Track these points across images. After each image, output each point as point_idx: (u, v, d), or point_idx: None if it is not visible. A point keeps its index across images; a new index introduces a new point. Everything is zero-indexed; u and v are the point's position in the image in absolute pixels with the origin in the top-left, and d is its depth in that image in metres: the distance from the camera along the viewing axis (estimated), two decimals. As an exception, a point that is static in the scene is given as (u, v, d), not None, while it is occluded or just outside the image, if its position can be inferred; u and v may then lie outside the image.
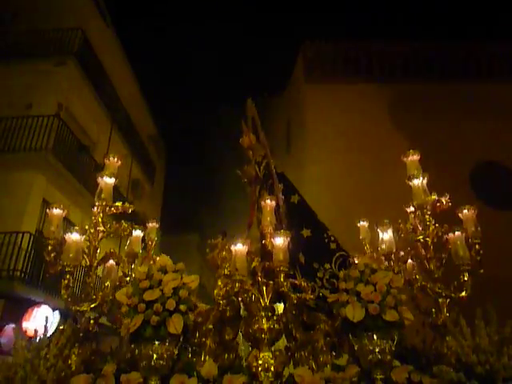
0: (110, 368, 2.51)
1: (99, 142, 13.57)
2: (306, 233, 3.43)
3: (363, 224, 3.87)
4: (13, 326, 8.86)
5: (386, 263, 3.13)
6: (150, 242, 4.25)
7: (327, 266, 3.25)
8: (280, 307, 3.14)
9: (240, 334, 2.96)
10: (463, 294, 2.74)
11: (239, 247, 2.74)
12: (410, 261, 3.13)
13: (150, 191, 17.26)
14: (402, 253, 3.13)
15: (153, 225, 4.31)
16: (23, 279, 9.94)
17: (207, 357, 2.84)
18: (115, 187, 11.36)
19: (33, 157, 10.95)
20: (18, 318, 9.33)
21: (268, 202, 2.99)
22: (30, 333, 8.12)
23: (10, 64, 11.79)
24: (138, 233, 3.22)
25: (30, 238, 10.08)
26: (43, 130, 11.00)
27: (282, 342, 3.13)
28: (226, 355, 2.94)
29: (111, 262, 3.02)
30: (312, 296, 2.86)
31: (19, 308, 9.70)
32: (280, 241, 2.71)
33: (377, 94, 12.06)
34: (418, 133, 11.42)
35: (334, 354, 2.92)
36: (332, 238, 3.43)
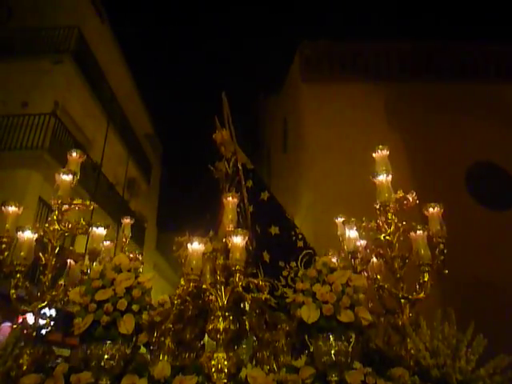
0: (61, 368, 2.47)
1: (95, 141, 13.55)
2: (274, 230, 3.37)
3: (340, 220, 3.79)
4: (9, 324, 8.86)
5: (353, 262, 3.07)
6: (124, 239, 4.24)
7: (293, 264, 3.19)
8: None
9: None
10: (421, 295, 2.66)
11: (195, 246, 2.69)
12: (375, 260, 3.06)
13: (146, 190, 17.23)
14: (368, 250, 3.06)
15: (127, 221, 4.29)
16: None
17: (165, 357, 2.79)
18: (111, 185, 11.29)
19: (29, 155, 10.96)
20: (16, 317, 9.32)
21: (230, 199, 2.93)
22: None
23: (5, 62, 11.78)
24: (100, 230, 3.17)
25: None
26: (39, 129, 11.00)
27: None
28: (187, 355, 2.89)
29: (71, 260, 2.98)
30: (268, 296, 2.79)
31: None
32: (237, 239, 2.65)
33: (374, 94, 11.97)
34: (414, 132, 11.36)
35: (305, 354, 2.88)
36: (300, 236, 3.37)
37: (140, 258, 4.15)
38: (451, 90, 11.66)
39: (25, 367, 2.51)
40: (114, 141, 14.38)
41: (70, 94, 12.32)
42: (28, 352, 2.54)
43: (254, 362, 2.90)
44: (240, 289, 2.58)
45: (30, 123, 11.10)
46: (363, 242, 3.26)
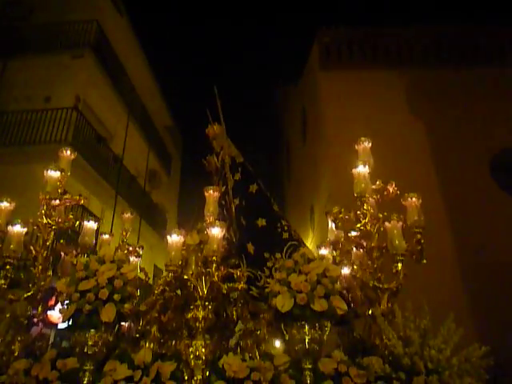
0: (48, 354, 2.63)
1: (116, 133, 13.81)
2: (261, 222, 3.42)
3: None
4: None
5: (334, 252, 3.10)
6: (124, 232, 4.37)
7: (278, 255, 3.24)
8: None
9: None
10: (393, 285, 2.68)
11: (174, 238, 2.78)
12: (355, 250, 3.07)
13: (167, 181, 17.51)
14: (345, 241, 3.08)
15: (128, 215, 4.42)
16: (53, 270, 10.29)
17: (151, 344, 2.91)
18: (133, 177, 11.46)
19: (52, 149, 11.25)
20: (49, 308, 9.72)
21: (211, 192, 3.01)
22: (54, 320, 8.54)
23: (28, 58, 12.12)
24: (91, 224, 3.31)
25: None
26: (62, 123, 11.25)
27: None
28: (173, 343, 3.00)
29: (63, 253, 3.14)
30: (245, 285, 2.87)
31: (44, 296, 10.12)
32: (215, 231, 2.73)
33: (394, 81, 11.71)
34: (437, 119, 11.10)
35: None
36: (285, 228, 3.41)
37: (140, 252, 4.26)
38: (476, 75, 11.28)
39: (16, 353, 2.68)
40: (135, 133, 14.63)
41: (90, 88, 12.56)
42: (19, 339, 2.71)
43: (238, 350, 3.00)
44: (216, 279, 2.67)
45: (52, 118, 11.37)
46: (354, 233, 3.28)
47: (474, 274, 9.36)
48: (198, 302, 2.71)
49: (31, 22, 12.76)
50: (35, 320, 2.85)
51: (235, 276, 3.03)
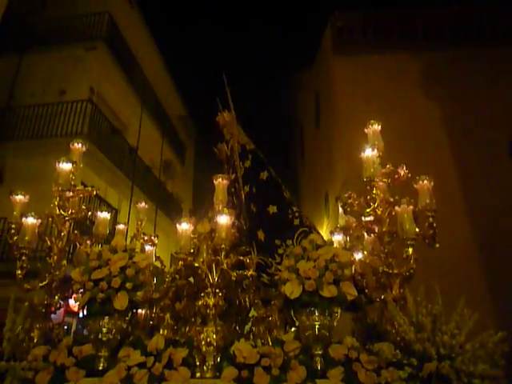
0: (65, 341, 2.70)
1: (130, 125, 13.90)
2: (272, 209, 3.41)
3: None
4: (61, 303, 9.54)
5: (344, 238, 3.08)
6: (139, 222, 4.42)
7: (289, 242, 3.24)
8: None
9: None
10: (403, 270, 2.65)
11: (184, 226, 2.81)
12: (366, 235, 3.05)
13: (181, 171, 17.60)
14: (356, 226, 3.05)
15: (142, 205, 4.47)
16: (71, 259, 10.47)
17: (165, 331, 2.97)
18: (147, 168, 11.53)
19: (69, 142, 11.36)
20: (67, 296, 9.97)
21: (220, 180, 3.01)
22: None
23: (42, 52, 12.24)
24: (104, 215, 3.36)
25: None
26: (77, 115, 11.35)
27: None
28: (187, 329, 3.05)
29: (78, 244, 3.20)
30: (254, 272, 2.88)
31: (67, 287, 10.32)
32: (224, 219, 2.74)
33: (408, 64, 11.51)
34: (453, 101, 10.89)
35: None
36: (296, 214, 3.40)
37: (156, 241, 4.30)
38: (490, 55, 11.02)
39: (36, 340, 2.76)
40: (149, 124, 14.68)
41: (104, 80, 12.62)
42: (38, 326, 2.79)
43: (251, 337, 3.04)
44: (225, 266, 2.69)
45: (68, 111, 11.48)
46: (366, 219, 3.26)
47: (489, 258, 9.23)
48: (209, 290, 2.73)
49: (44, 15, 12.86)
50: (52, 308, 2.92)
51: (245, 263, 3.05)
